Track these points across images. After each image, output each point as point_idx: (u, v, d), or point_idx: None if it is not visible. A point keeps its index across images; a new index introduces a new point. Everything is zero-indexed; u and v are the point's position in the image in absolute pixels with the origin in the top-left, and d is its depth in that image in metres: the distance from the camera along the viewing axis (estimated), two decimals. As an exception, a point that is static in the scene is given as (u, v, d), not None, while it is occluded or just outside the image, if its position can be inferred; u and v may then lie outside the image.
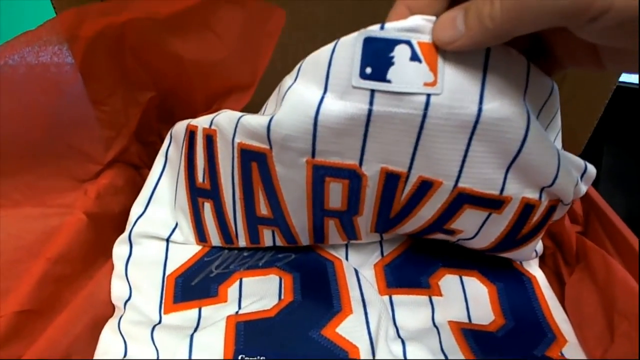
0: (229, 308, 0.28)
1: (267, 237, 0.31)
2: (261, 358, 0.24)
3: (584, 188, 0.28)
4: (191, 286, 0.30)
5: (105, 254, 0.32)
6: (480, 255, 0.32)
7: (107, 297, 0.30)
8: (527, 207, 0.26)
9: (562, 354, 0.27)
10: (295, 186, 0.26)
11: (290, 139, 0.23)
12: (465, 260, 0.32)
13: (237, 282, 0.30)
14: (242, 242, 0.31)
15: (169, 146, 0.34)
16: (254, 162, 0.26)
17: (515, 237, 0.28)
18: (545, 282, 0.32)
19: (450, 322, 0.28)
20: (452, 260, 0.32)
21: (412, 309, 0.29)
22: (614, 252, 0.31)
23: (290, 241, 0.31)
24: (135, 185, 0.37)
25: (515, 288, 0.31)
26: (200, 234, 0.32)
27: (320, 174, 0.25)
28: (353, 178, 0.25)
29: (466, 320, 0.29)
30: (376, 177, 0.25)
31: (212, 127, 0.28)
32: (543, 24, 0.18)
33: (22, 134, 0.30)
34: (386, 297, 0.30)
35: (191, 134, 0.30)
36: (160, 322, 0.28)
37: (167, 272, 0.31)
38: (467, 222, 0.27)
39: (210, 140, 0.28)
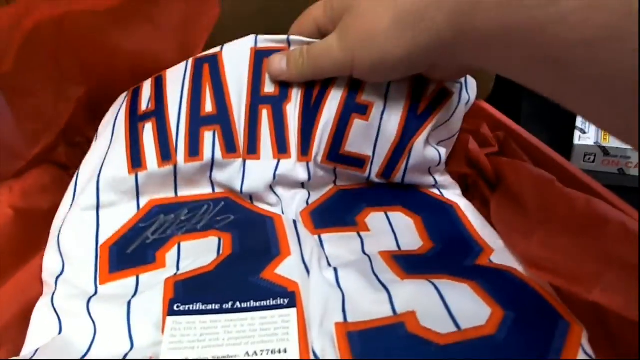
0: (167, 272, 0.27)
1: (207, 143, 0.31)
2: (197, 303, 0.24)
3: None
4: (127, 254, 0.29)
5: (35, 250, 0.30)
6: (403, 193, 0.34)
7: (38, 284, 0.28)
8: (421, 79, 0.31)
9: (490, 261, 0.28)
10: (239, 75, 0.32)
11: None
12: (388, 198, 0.33)
13: (175, 247, 0.29)
14: (181, 155, 0.31)
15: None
16: (206, 63, 0.32)
17: (416, 112, 0.31)
18: (469, 207, 0.33)
19: (380, 252, 0.29)
20: (375, 200, 0.33)
21: (341, 244, 0.29)
22: (532, 163, 0.32)
23: (229, 147, 0.32)
24: (63, 185, 0.36)
25: (439, 215, 0.32)
26: (135, 159, 0.31)
27: (259, 57, 0.32)
28: None
29: (396, 249, 0.30)
30: None
31: (161, 72, 0.34)
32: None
33: None
34: (315, 237, 0.30)
35: (135, 88, 0.34)
36: (96, 293, 0.27)
37: (100, 241, 0.29)
38: (374, 90, 0.31)
39: (159, 78, 0.33)
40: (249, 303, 0.24)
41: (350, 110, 0.32)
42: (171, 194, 0.32)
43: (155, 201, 0.31)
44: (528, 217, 0.29)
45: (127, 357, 0.23)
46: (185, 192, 0.32)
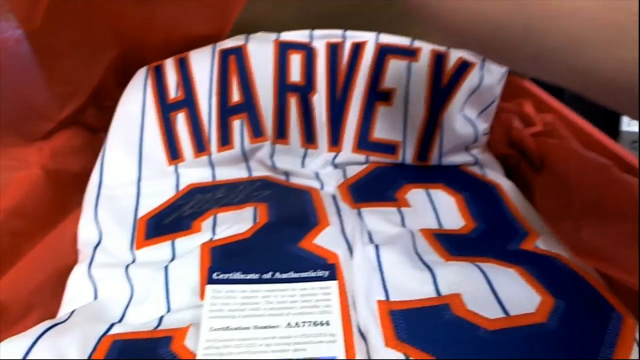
0: (202, 237, 0.27)
1: (237, 131, 0.33)
2: (237, 272, 0.23)
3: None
4: (163, 224, 0.28)
5: (65, 211, 0.30)
6: (443, 171, 0.33)
7: (69, 248, 0.28)
8: (439, 56, 0.32)
9: (536, 246, 0.27)
10: (264, 65, 0.33)
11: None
12: (428, 175, 0.33)
13: (212, 217, 0.29)
14: (214, 145, 0.33)
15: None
16: (232, 55, 0.33)
17: (439, 86, 0.32)
18: (512, 188, 0.32)
19: (421, 230, 0.28)
20: (415, 177, 0.32)
21: (381, 218, 0.29)
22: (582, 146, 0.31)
23: (256, 132, 0.33)
24: (93, 148, 0.35)
25: (482, 195, 0.31)
26: (173, 151, 0.33)
27: (283, 49, 0.33)
28: (307, 50, 0.34)
29: (437, 227, 0.29)
30: (323, 50, 0.34)
31: (184, 54, 0.34)
32: None
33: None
34: (355, 211, 0.29)
35: (156, 67, 0.34)
36: (134, 260, 0.27)
37: (139, 215, 0.30)
38: (395, 75, 0.33)
39: (182, 60, 0.34)
40: (288, 274, 0.23)
41: (374, 99, 0.33)
42: (209, 179, 0.32)
43: (193, 184, 0.32)
44: (577, 203, 0.28)
45: (164, 320, 0.23)
46: (223, 177, 0.33)
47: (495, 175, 0.33)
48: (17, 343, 0.20)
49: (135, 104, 0.33)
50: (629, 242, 0.23)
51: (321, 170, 0.34)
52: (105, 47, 0.34)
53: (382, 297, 0.23)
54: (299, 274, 0.23)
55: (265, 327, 0.21)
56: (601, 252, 0.24)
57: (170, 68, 0.34)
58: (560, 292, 0.23)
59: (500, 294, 0.23)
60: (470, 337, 0.21)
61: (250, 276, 0.23)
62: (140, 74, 0.34)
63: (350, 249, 0.25)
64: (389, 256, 0.25)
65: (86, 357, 0.20)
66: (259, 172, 0.33)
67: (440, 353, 0.20)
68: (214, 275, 0.23)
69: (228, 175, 0.33)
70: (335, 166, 0.34)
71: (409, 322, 0.22)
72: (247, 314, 0.21)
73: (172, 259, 0.26)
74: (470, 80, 0.33)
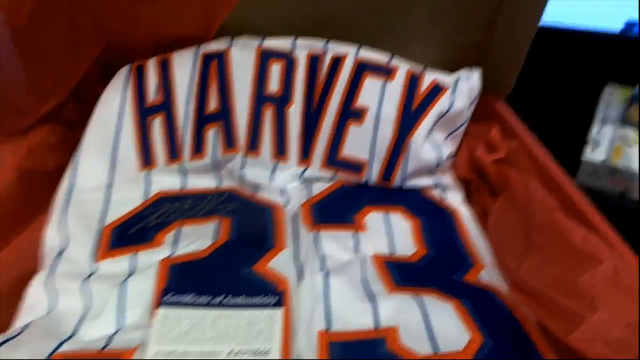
0: (163, 252, 0.27)
1: (210, 140, 0.33)
2: (189, 295, 0.24)
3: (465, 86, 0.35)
4: (127, 235, 0.29)
5: (38, 210, 0.30)
6: (405, 193, 0.34)
7: (36, 252, 0.28)
8: (413, 78, 0.33)
9: (479, 278, 0.28)
10: (244, 73, 0.33)
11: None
12: (390, 197, 0.33)
13: (175, 230, 0.29)
14: (187, 153, 0.33)
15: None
16: (214, 60, 0.33)
17: (410, 110, 0.33)
18: (468, 216, 0.32)
19: (374, 256, 0.28)
20: (377, 198, 0.33)
21: (337, 243, 0.29)
22: (538, 180, 0.31)
23: (229, 142, 0.33)
24: (69, 145, 0.35)
25: (438, 221, 0.31)
26: (146, 157, 0.33)
27: (265, 57, 0.34)
28: (288, 59, 0.34)
29: (389, 253, 0.29)
30: (303, 61, 0.34)
31: (167, 56, 0.34)
32: None
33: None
34: (312, 234, 0.30)
35: (138, 68, 0.34)
36: (93, 272, 0.27)
37: (105, 224, 0.30)
38: (369, 94, 0.33)
39: (165, 62, 0.34)
40: (238, 299, 0.24)
41: (346, 117, 0.33)
42: (178, 187, 0.33)
43: (162, 193, 0.32)
44: (522, 238, 0.28)
45: (114, 339, 0.23)
46: (192, 186, 0.33)
47: (455, 201, 0.34)
48: None
49: (113, 107, 0.33)
50: (558, 287, 0.24)
51: (289, 184, 0.34)
52: (89, 43, 0.34)
53: (324, 327, 0.24)
54: (248, 299, 0.24)
55: (209, 353, 0.22)
56: (535, 293, 0.25)
57: (152, 70, 0.33)
58: (490, 331, 0.24)
59: (434, 328, 0.24)
60: (399, 374, 0.21)
61: (201, 299, 0.24)
62: (122, 74, 0.34)
63: (300, 276, 0.26)
64: (336, 285, 0.26)
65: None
66: (228, 182, 0.34)
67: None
68: (167, 298, 0.24)
69: (198, 184, 0.33)
70: (303, 181, 0.34)
71: (344, 355, 0.22)
72: (193, 339, 0.22)
73: (131, 273, 0.27)
74: (441, 104, 0.33)
